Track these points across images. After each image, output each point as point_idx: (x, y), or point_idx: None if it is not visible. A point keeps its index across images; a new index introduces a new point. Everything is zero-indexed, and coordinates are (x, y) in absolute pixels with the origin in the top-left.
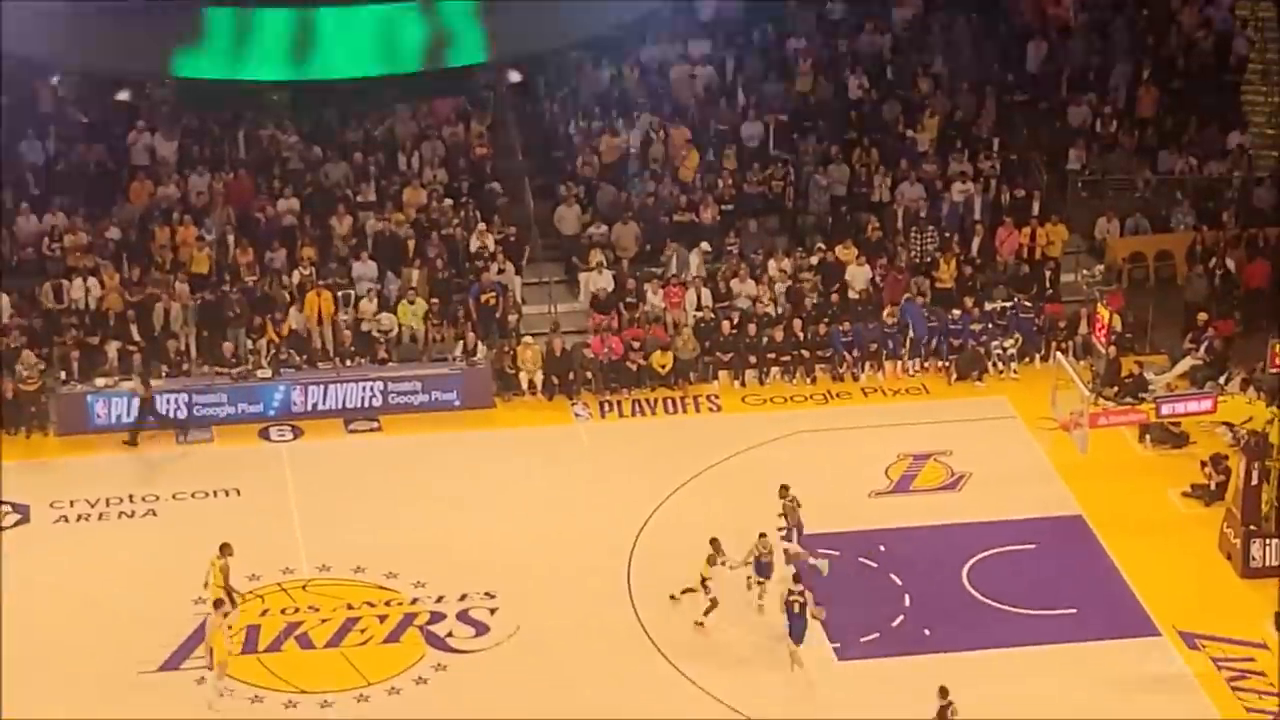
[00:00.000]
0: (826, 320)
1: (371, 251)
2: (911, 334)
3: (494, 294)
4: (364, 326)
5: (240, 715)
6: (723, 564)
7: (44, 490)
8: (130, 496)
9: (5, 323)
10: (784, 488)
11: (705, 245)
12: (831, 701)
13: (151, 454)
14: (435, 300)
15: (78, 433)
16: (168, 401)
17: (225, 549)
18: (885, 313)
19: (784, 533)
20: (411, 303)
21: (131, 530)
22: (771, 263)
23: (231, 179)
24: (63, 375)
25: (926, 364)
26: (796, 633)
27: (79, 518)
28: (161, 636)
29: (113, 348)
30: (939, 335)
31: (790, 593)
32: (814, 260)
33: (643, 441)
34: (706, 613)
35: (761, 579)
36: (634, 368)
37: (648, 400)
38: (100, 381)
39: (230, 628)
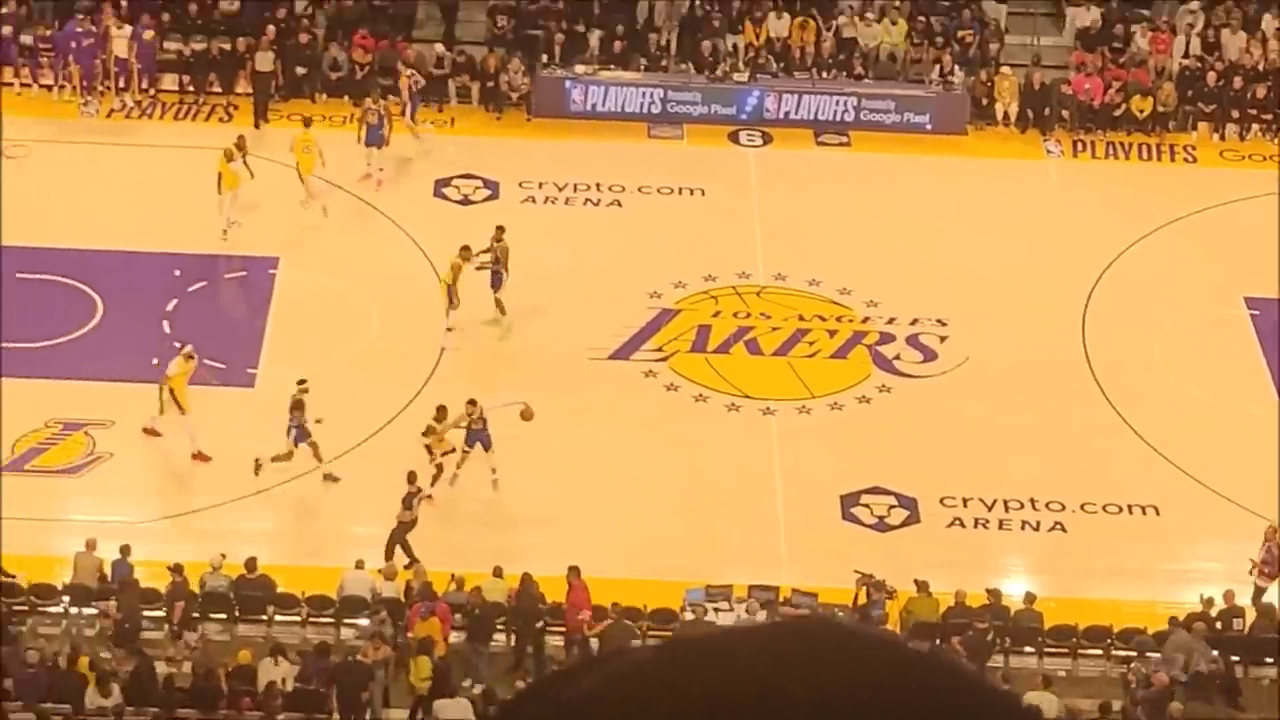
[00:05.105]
0: None
1: None
2: None
3: (970, 30)
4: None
5: (684, 411)
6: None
7: (514, 169)
8: (598, 185)
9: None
10: (499, 229)
11: None
12: None
13: (623, 145)
14: (919, 19)
15: (553, 116)
16: (643, 95)
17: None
18: None
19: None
20: (894, 22)
21: (594, 217)
22: (1267, 16)
23: None
24: (544, 58)
25: None
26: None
27: (546, 200)
28: (613, 325)
29: (595, 36)
30: None
31: None
32: None
33: (1113, 185)
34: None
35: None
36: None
37: (1122, 144)
38: (580, 69)
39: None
